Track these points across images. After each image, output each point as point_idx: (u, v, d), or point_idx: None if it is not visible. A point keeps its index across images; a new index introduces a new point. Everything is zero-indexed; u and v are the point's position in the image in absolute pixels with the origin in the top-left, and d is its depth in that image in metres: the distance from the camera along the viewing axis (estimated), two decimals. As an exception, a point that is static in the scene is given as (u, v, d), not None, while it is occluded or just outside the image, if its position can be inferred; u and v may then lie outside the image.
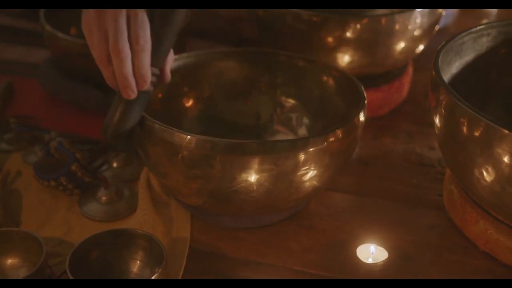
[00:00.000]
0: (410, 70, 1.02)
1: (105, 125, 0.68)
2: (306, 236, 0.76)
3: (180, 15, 0.67)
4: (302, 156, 0.66)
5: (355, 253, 0.73)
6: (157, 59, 0.67)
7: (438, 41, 0.89)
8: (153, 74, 0.67)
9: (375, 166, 0.88)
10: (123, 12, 0.63)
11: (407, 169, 0.88)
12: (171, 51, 0.69)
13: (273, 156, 0.65)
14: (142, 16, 0.64)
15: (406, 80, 1.01)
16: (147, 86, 0.66)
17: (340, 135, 0.68)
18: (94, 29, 0.64)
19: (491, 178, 0.65)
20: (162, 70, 0.69)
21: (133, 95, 0.66)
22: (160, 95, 0.82)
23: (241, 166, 0.66)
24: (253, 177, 0.67)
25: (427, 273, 0.72)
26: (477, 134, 0.64)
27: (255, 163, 0.66)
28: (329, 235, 0.76)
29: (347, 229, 0.77)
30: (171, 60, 0.71)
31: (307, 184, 0.70)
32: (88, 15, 0.65)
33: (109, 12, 0.63)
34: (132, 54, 0.64)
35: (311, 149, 0.66)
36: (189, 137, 0.65)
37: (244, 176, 0.66)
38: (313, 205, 0.81)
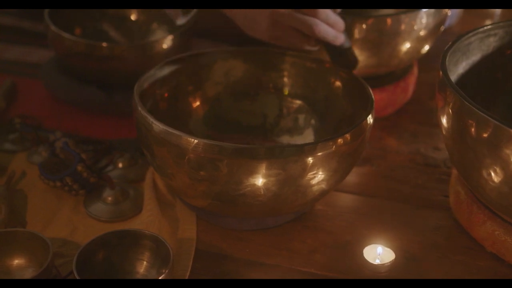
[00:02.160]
0: (415, 70, 1.02)
1: (347, 66, 0.82)
2: (311, 237, 0.76)
3: None
4: (310, 161, 0.66)
5: (361, 253, 0.73)
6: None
7: (442, 41, 0.89)
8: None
9: (380, 166, 0.88)
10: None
11: (412, 169, 0.88)
12: None
13: (281, 160, 0.65)
14: None
15: (411, 81, 1.00)
16: (343, 24, 0.80)
17: (349, 139, 0.68)
18: (280, 33, 0.79)
19: (499, 179, 0.65)
20: None
21: (342, 37, 0.80)
22: (166, 95, 0.82)
23: (248, 170, 0.65)
24: (260, 181, 0.66)
25: (433, 274, 0.72)
26: (485, 134, 0.64)
27: (262, 168, 0.65)
28: (334, 236, 0.76)
29: (352, 230, 0.77)
30: None
31: (314, 188, 0.69)
32: (262, 31, 0.80)
33: (281, 15, 0.76)
34: (322, 20, 0.77)
35: (319, 154, 0.66)
36: (196, 141, 0.65)
37: (251, 180, 0.66)
38: (318, 206, 0.80)
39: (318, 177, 0.68)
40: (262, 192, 0.67)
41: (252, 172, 0.66)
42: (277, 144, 0.85)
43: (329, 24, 0.78)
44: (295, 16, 0.76)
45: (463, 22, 1.25)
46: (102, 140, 0.87)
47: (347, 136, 0.68)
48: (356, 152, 0.71)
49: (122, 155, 0.85)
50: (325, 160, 0.67)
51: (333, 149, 0.67)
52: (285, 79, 0.86)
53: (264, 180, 0.66)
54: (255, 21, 0.79)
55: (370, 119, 0.72)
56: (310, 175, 0.67)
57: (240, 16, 0.81)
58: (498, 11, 1.30)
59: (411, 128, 0.97)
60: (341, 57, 0.82)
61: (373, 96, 0.75)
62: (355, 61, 0.83)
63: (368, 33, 0.88)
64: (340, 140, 0.67)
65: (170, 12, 0.87)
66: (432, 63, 1.02)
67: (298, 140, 0.85)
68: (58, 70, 0.99)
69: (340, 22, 0.79)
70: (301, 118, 0.86)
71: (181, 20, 0.86)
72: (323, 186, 0.70)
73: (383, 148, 0.92)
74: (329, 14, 0.77)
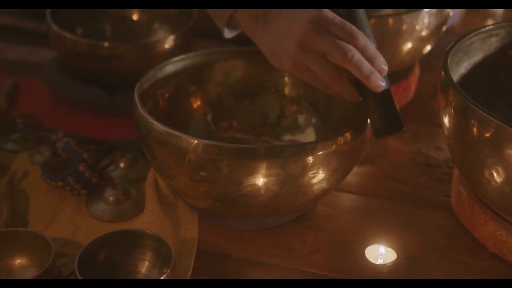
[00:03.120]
0: (416, 70, 1.02)
1: (377, 127, 0.68)
2: (313, 237, 0.76)
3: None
4: (310, 160, 0.66)
5: (363, 254, 0.73)
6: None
7: (444, 41, 0.89)
8: None
9: (381, 166, 0.88)
10: (321, 26, 0.66)
11: (414, 169, 0.88)
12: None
13: (281, 160, 0.65)
14: (337, 17, 0.66)
15: (413, 81, 1.01)
16: (386, 68, 0.67)
17: (349, 138, 0.68)
18: (308, 60, 0.67)
19: (501, 179, 0.65)
20: None
21: (383, 83, 0.66)
22: (167, 95, 0.82)
23: (248, 170, 0.65)
24: (260, 181, 0.66)
25: (435, 274, 0.71)
26: (487, 135, 0.64)
27: (262, 168, 0.65)
28: (335, 236, 0.76)
29: (354, 230, 0.77)
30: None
31: (315, 187, 0.69)
32: (288, 56, 0.68)
33: (312, 36, 0.66)
34: (361, 53, 0.65)
35: (319, 153, 0.66)
36: (196, 141, 0.65)
37: (251, 180, 0.66)
38: (319, 206, 0.80)
39: (318, 177, 0.68)
40: (263, 192, 0.67)
41: (253, 172, 0.66)
42: (277, 144, 0.85)
43: (367, 58, 0.66)
44: (327, 38, 0.65)
45: (464, 22, 1.25)
46: (104, 140, 0.87)
47: (347, 135, 0.68)
48: (357, 151, 0.71)
49: (123, 155, 0.85)
50: (325, 159, 0.67)
51: (333, 148, 0.67)
52: (286, 79, 0.86)
53: (265, 180, 0.66)
54: (282, 44, 0.68)
55: None
56: (310, 174, 0.67)
57: (268, 39, 0.71)
58: (500, 11, 1.30)
59: (413, 128, 0.97)
60: (379, 109, 0.67)
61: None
62: (396, 119, 0.67)
63: (370, 33, 0.88)
64: (340, 139, 0.67)
65: (218, 25, 0.80)
66: (433, 63, 1.02)
67: (300, 139, 0.85)
68: (60, 70, 0.99)
69: (381, 61, 0.66)
70: (302, 118, 0.86)
71: (228, 34, 0.82)
72: (324, 185, 0.70)
73: (385, 148, 0.92)
74: (369, 45, 0.66)
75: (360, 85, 0.67)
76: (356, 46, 0.65)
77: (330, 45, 0.65)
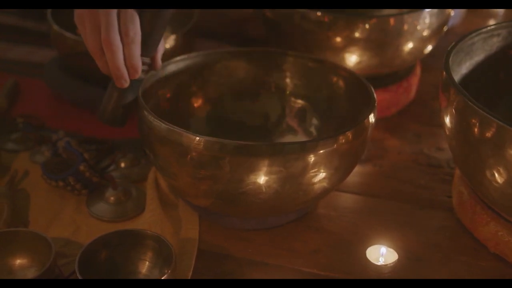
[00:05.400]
0: (418, 70, 1.02)
1: (101, 111, 0.74)
2: (314, 238, 0.76)
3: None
4: (311, 158, 0.66)
5: (364, 254, 0.73)
6: (147, 49, 0.71)
7: (445, 41, 0.89)
8: (144, 63, 0.72)
9: (382, 166, 0.88)
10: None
11: (415, 169, 0.88)
12: (162, 40, 0.74)
13: (282, 158, 0.65)
14: (132, 10, 0.68)
15: (414, 81, 1.00)
16: (138, 75, 0.71)
17: (350, 137, 0.68)
18: (87, 22, 0.68)
19: (503, 180, 0.65)
20: (153, 58, 0.74)
21: (126, 84, 0.70)
22: (168, 95, 0.82)
23: (250, 168, 0.65)
24: (261, 179, 0.66)
25: (436, 274, 0.71)
26: (488, 135, 0.64)
27: (264, 165, 0.65)
28: (337, 236, 0.76)
29: (355, 230, 0.77)
30: (162, 49, 0.75)
31: (316, 186, 0.69)
32: (81, 9, 0.69)
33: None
34: (123, 46, 0.68)
35: (320, 151, 0.66)
36: (197, 138, 0.65)
37: (252, 178, 0.66)
38: (320, 206, 0.80)
39: (319, 175, 0.68)
40: (264, 190, 0.67)
41: (254, 170, 0.66)
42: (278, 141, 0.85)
43: (125, 54, 0.68)
44: (112, 15, 0.67)
45: (466, 22, 1.25)
46: (105, 140, 0.87)
47: (349, 134, 0.68)
48: (358, 150, 0.71)
49: (124, 155, 0.85)
50: (327, 158, 0.67)
51: (335, 147, 0.67)
52: (287, 79, 0.86)
53: (266, 178, 0.66)
54: None
55: (371, 118, 0.72)
56: (311, 173, 0.67)
57: None
58: (501, 11, 1.30)
59: (414, 128, 0.97)
60: (115, 101, 0.73)
61: (375, 96, 0.75)
62: (121, 117, 0.73)
63: (371, 33, 0.88)
64: (341, 138, 0.67)
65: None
66: (435, 63, 1.02)
67: (301, 140, 0.85)
68: (61, 69, 0.99)
69: (135, 65, 0.69)
70: (304, 118, 0.85)
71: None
72: (325, 184, 0.70)
73: (386, 148, 0.92)
74: (134, 45, 0.68)
75: None
76: (123, 37, 0.67)
77: (108, 20, 0.66)
